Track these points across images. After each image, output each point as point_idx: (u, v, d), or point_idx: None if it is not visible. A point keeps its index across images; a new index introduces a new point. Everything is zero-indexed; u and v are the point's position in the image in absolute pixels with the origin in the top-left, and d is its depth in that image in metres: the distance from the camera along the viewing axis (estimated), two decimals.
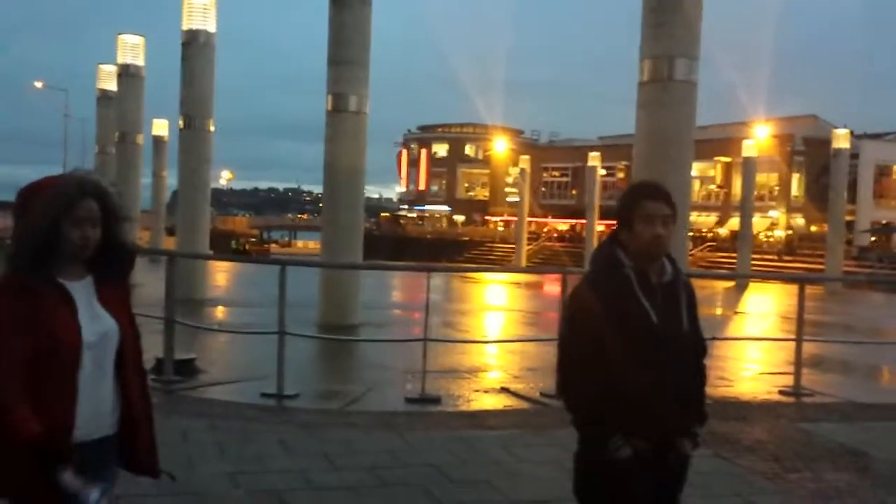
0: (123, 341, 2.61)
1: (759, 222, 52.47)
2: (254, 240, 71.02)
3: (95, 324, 2.53)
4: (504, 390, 9.06)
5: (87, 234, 2.49)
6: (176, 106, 19.38)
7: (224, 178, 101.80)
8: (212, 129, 19.34)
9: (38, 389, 2.39)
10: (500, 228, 73.94)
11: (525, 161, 57.34)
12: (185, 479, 5.28)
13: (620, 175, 63.00)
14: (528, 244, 58.64)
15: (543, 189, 72.91)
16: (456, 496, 5.14)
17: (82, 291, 2.54)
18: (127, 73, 26.12)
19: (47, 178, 2.59)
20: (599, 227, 51.42)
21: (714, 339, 12.53)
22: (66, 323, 2.46)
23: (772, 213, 58.91)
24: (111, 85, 29.25)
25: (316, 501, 4.93)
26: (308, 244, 71.46)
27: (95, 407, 2.54)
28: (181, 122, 19.17)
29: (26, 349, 2.36)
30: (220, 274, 25.44)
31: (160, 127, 40.51)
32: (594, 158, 52.15)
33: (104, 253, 2.55)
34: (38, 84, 69.32)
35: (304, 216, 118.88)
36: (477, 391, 9.12)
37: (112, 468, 2.68)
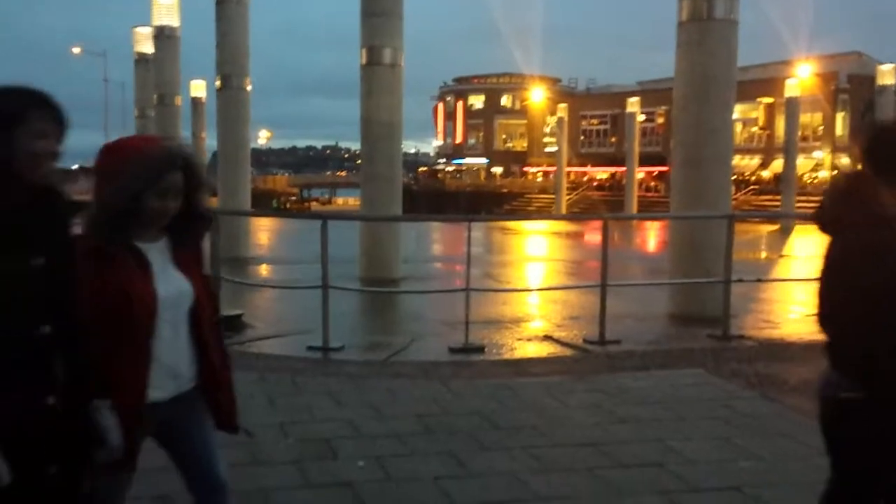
0: (198, 302, 2.65)
1: (803, 164, 51.41)
2: (294, 198, 71.42)
3: (170, 285, 2.57)
4: (547, 338, 9.09)
5: (169, 205, 2.53)
6: (212, 66, 19.45)
7: (262, 138, 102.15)
8: (249, 88, 19.40)
9: (113, 350, 2.43)
10: (539, 179, 73.43)
11: (563, 110, 56.74)
12: None
13: (660, 120, 62.06)
14: (568, 194, 58.29)
15: (582, 138, 72.08)
16: (501, 442, 5.19)
17: (158, 254, 2.58)
18: (162, 35, 26.25)
19: (133, 139, 2.60)
20: (639, 174, 50.97)
21: (759, 280, 12.43)
22: (141, 285, 2.50)
23: (816, 153, 57.62)
24: (148, 47, 29.43)
25: (364, 448, 5.02)
26: (348, 201, 71.69)
27: (170, 367, 2.60)
28: (218, 82, 19.26)
29: (99, 311, 2.39)
30: (263, 232, 25.71)
31: (198, 88, 40.72)
32: (633, 104, 51.45)
33: (182, 218, 2.58)
34: (76, 49, 69.84)
35: (343, 173, 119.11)
36: (520, 340, 9.17)
37: (202, 419, 2.75)
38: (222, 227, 9.32)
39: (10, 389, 2.11)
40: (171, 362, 2.59)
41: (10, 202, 2.15)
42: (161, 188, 2.49)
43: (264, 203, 54.23)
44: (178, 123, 28.52)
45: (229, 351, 2.86)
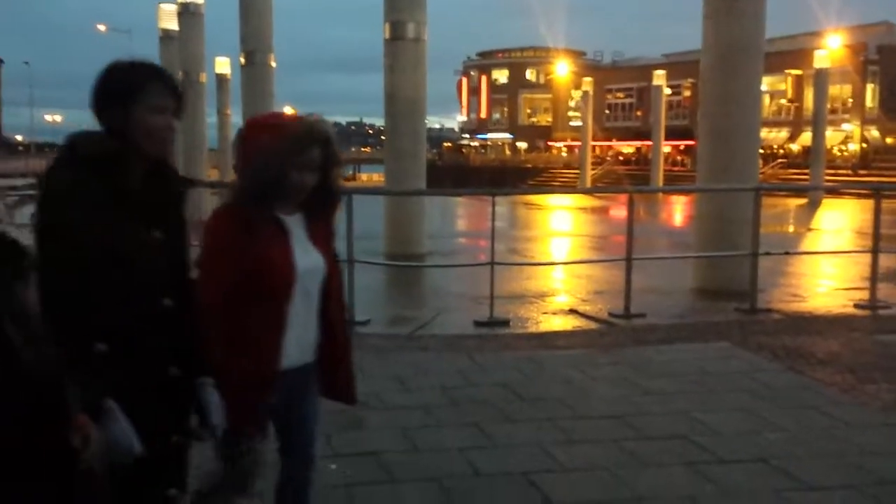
0: (329, 275, 2.71)
1: (832, 136, 50.63)
2: None
3: (306, 257, 2.63)
4: (572, 312, 9.09)
5: (308, 180, 2.57)
6: (237, 43, 19.48)
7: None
8: (273, 64, 19.42)
9: (250, 318, 2.49)
10: (564, 154, 73.01)
11: (588, 83, 56.23)
12: None
13: (686, 93, 61.37)
14: (593, 169, 57.90)
15: (607, 112, 71.49)
16: (527, 413, 5.22)
17: (295, 227, 2.64)
18: (187, 12, 26.31)
19: (273, 115, 2.67)
20: (666, 148, 50.48)
21: (787, 253, 12.32)
22: (281, 254, 2.56)
23: (845, 126, 56.74)
24: (173, 24, 29.48)
25: (390, 420, 5.07)
26: (373, 177, 71.73)
27: (301, 336, 2.66)
28: (242, 59, 19.29)
29: (237, 278, 2.45)
30: None
31: (222, 65, 40.85)
32: (659, 77, 50.90)
33: (316, 193, 2.62)
34: (102, 27, 70.15)
35: (368, 149, 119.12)
36: (545, 313, 9.17)
37: (314, 392, 2.83)
38: None
39: (136, 361, 2.15)
40: (301, 333, 2.66)
41: (129, 176, 2.18)
42: (301, 162, 2.53)
43: None
44: (203, 101, 28.64)
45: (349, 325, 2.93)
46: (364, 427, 4.93)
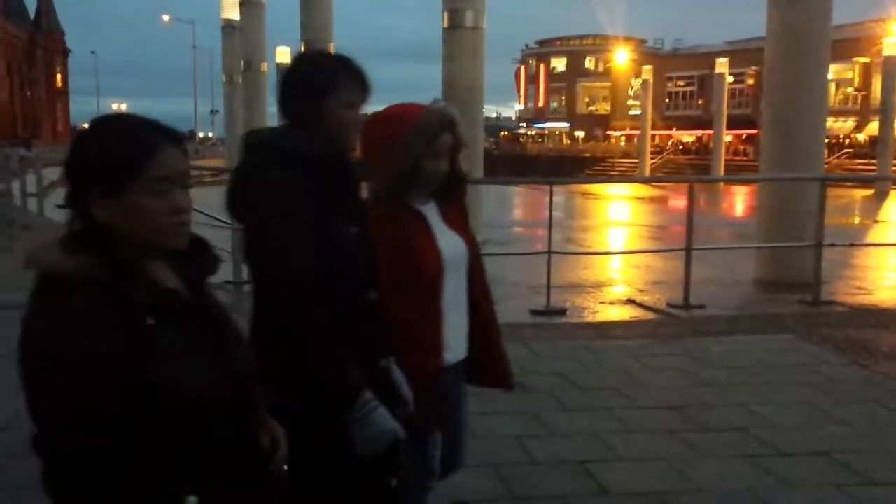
0: (473, 260, 2.71)
1: None
2: None
3: (450, 245, 2.63)
4: (630, 302, 9.02)
5: (442, 167, 2.57)
6: (297, 32, 19.69)
7: None
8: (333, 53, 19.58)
9: (409, 312, 2.48)
10: (623, 143, 72.20)
11: (647, 71, 55.47)
12: None
13: (750, 81, 60.15)
14: (652, 158, 57.18)
15: (667, 100, 70.41)
16: (583, 402, 5.22)
17: (432, 215, 2.64)
18: (249, 2, 26.64)
19: (401, 107, 2.64)
20: (727, 137, 49.51)
21: (853, 245, 12.04)
22: (428, 246, 2.56)
23: None
24: (234, 14, 29.91)
25: None
26: None
27: (457, 327, 2.66)
28: (302, 49, 19.47)
29: (394, 273, 2.44)
30: None
31: (283, 54, 41.21)
32: (721, 65, 49.94)
33: (445, 180, 2.63)
34: (166, 17, 71.46)
35: None
36: (602, 303, 9.12)
37: (465, 389, 2.84)
38: None
39: (353, 354, 2.16)
40: (457, 322, 2.65)
41: (337, 172, 2.19)
42: (434, 150, 2.53)
43: None
44: (265, 90, 29.01)
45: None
46: None
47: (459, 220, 2.71)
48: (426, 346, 2.52)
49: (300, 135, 2.17)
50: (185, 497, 1.47)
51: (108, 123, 1.56)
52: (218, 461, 1.52)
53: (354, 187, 2.27)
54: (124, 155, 1.47)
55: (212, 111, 79.87)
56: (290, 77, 2.26)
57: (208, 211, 6.67)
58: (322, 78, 2.20)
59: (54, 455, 1.40)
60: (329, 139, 2.18)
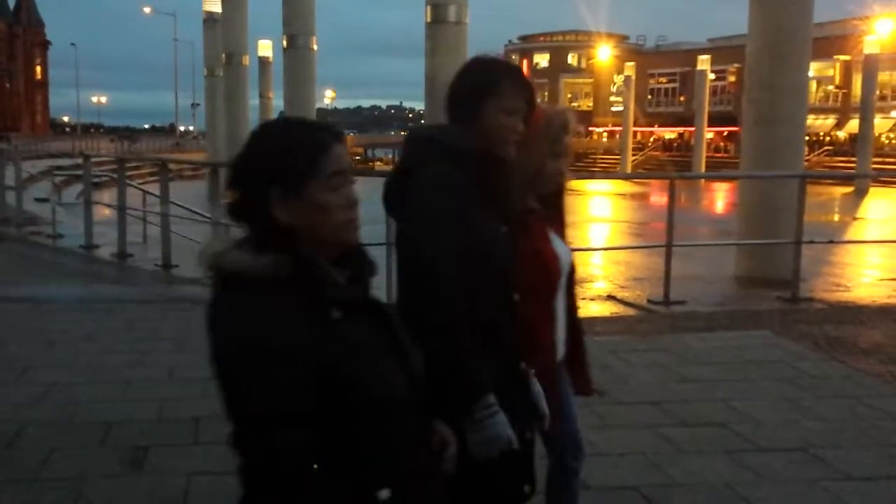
0: (573, 266, 2.73)
1: (880, 124, 49.54)
2: (359, 158, 71.95)
3: (561, 248, 2.64)
4: (610, 298, 9.04)
5: (563, 167, 2.60)
6: (279, 26, 19.59)
7: (328, 97, 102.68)
8: (315, 47, 19.50)
9: (532, 312, 2.45)
10: (605, 139, 72.43)
11: (630, 68, 55.74)
12: None
13: (731, 79, 60.46)
14: (634, 154, 57.45)
15: (650, 97, 70.70)
16: None
17: (543, 220, 2.64)
18: None
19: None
20: (709, 134, 49.78)
21: (832, 242, 12.14)
22: (550, 247, 2.58)
23: (894, 113, 55.52)
24: (216, 7, 29.70)
25: None
26: None
27: (561, 330, 2.67)
28: (284, 42, 19.41)
29: (523, 274, 2.41)
30: None
31: (265, 48, 41.06)
32: (703, 62, 50.28)
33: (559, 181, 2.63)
34: (147, 10, 70.91)
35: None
36: (583, 299, 9.12)
37: (567, 382, 2.83)
38: None
39: (499, 355, 2.16)
40: (561, 324, 2.67)
41: (492, 172, 2.19)
42: (556, 151, 2.55)
43: None
44: (246, 83, 28.82)
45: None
46: None
47: (562, 225, 2.72)
48: (549, 349, 2.57)
49: (458, 131, 2.19)
50: (377, 490, 1.51)
51: (279, 126, 1.66)
52: (403, 459, 1.57)
53: (507, 188, 2.28)
54: (304, 153, 1.53)
55: (193, 105, 79.43)
56: (459, 76, 2.28)
57: (188, 205, 6.63)
58: (487, 80, 2.22)
59: (253, 451, 1.44)
60: (475, 137, 2.18)
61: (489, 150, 2.18)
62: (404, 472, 1.57)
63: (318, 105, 23.92)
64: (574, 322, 2.75)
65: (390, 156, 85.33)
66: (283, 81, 20.24)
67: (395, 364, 1.58)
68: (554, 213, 2.68)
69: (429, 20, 14.59)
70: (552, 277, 2.56)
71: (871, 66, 40.56)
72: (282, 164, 1.52)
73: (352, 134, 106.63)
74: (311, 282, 1.49)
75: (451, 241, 2.07)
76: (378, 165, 68.55)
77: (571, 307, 2.73)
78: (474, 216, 2.13)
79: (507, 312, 2.21)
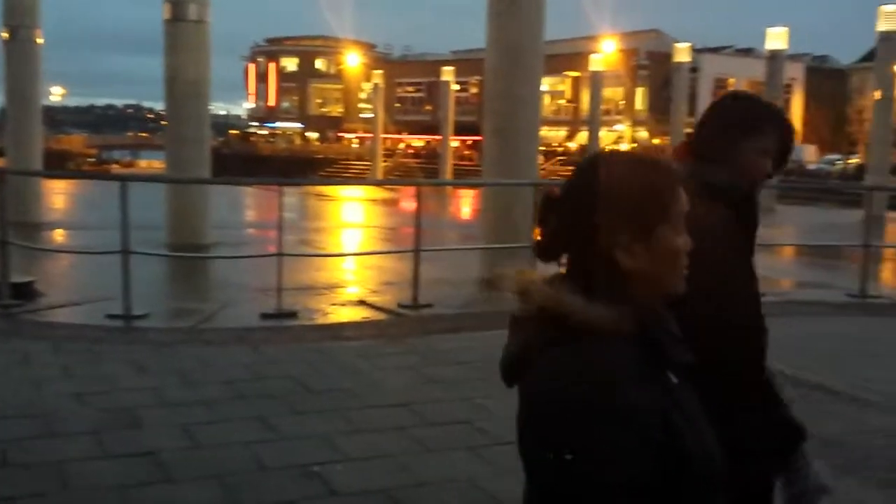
0: None
1: (606, 136, 54.25)
2: (92, 160, 67.24)
3: None
4: (361, 303, 9.12)
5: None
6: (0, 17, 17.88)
7: (56, 95, 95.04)
8: (40, 40, 18.00)
9: None
10: (355, 145, 73.11)
11: (378, 76, 56.64)
12: (29, 400, 5.08)
13: (474, 90, 63.30)
14: (384, 161, 58.42)
15: (398, 105, 72.37)
16: (314, 405, 5.18)
17: None
18: None
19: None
20: (454, 142, 51.72)
21: None
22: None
23: (618, 126, 60.93)
24: None
25: (171, 417, 4.85)
26: (153, 164, 68.06)
27: None
28: (5, 33, 17.74)
29: None
30: (57, 196, 24.05)
31: None
32: (447, 73, 52.14)
33: None
34: None
35: (146, 134, 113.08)
36: (334, 305, 9.14)
37: None
38: (10, 188, 8.64)
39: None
40: None
41: (755, 212, 2.17)
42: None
43: (58, 165, 50.50)
44: None
45: None
46: (140, 426, 4.69)
47: None
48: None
49: (722, 169, 2.12)
50: None
51: (626, 161, 1.46)
52: None
53: (756, 228, 2.24)
54: (658, 195, 1.40)
55: None
56: (719, 109, 2.23)
57: None
58: (751, 118, 2.17)
59: None
60: (739, 179, 2.14)
61: (748, 187, 2.18)
62: None
63: (44, 102, 22.08)
64: None
65: (128, 158, 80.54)
66: (3, 76, 18.47)
67: (715, 439, 1.46)
68: None
69: (167, 17, 13.98)
70: None
71: (596, 83, 44.18)
72: (639, 208, 1.38)
73: (84, 134, 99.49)
74: (658, 341, 1.37)
75: (742, 281, 2.13)
76: (114, 168, 64.21)
77: None
78: (744, 256, 2.16)
79: (764, 351, 2.19)
